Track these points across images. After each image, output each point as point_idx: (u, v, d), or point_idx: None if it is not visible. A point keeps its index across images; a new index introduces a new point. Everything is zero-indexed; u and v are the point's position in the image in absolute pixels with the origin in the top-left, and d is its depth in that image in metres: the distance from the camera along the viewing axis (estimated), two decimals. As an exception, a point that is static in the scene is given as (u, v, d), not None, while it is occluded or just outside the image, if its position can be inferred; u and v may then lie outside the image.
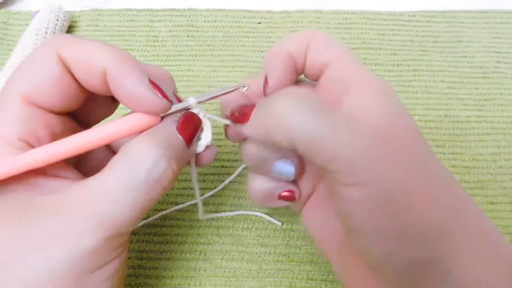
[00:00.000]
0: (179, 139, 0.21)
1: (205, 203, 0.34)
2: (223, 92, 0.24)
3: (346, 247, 0.23)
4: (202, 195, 0.34)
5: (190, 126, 0.22)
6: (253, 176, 0.25)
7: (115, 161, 0.20)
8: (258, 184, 0.25)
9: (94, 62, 0.20)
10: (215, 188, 0.34)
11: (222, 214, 0.33)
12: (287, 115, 0.19)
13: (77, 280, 0.18)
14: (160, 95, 0.21)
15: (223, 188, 0.34)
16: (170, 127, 0.21)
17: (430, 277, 0.18)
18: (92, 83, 0.21)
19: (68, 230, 0.18)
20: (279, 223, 0.33)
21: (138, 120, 0.21)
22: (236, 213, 0.33)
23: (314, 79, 0.24)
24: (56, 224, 0.18)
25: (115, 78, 0.20)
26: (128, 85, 0.20)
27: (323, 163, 0.19)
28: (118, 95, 0.20)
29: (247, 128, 0.22)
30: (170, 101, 0.21)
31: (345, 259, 0.23)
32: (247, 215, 0.33)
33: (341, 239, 0.23)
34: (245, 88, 0.25)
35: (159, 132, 0.21)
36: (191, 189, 0.34)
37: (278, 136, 0.19)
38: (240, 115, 0.23)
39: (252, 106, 0.23)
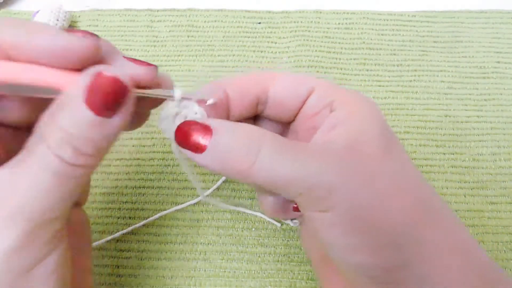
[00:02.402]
0: (86, 114, 0.16)
1: (205, 203, 0.34)
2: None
3: (326, 259, 0.23)
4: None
5: (104, 94, 0.17)
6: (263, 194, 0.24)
7: (21, 153, 0.17)
8: (271, 200, 0.24)
9: None
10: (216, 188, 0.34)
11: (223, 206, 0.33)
12: (249, 161, 0.19)
13: (14, 282, 0.17)
14: (79, 35, 0.17)
15: (223, 188, 0.34)
16: (76, 98, 0.16)
17: (405, 284, 0.19)
18: None
19: None
20: (279, 224, 0.33)
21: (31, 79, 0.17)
22: (234, 208, 0.33)
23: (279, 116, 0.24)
24: None
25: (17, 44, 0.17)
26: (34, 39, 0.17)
27: (288, 197, 0.20)
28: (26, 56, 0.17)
29: (202, 159, 0.20)
30: (89, 34, 0.18)
31: (326, 271, 0.24)
32: (247, 215, 0.33)
33: (322, 252, 0.24)
34: (210, 101, 0.21)
35: (63, 104, 0.17)
36: (191, 189, 0.34)
37: (237, 176, 0.20)
38: (182, 133, 0.20)
39: (201, 127, 0.20)
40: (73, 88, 0.17)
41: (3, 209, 0.16)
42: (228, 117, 0.23)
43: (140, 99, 0.19)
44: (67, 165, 0.17)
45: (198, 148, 0.19)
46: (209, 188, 0.34)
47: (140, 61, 0.20)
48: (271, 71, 0.24)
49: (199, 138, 0.19)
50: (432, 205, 0.20)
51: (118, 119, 0.17)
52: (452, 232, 0.20)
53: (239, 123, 0.20)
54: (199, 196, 0.34)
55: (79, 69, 0.17)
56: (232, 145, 0.19)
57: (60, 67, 0.17)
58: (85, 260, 0.24)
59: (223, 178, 0.34)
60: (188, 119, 0.21)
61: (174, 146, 0.21)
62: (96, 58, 0.18)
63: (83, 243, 0.24)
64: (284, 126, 0.25)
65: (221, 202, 0.33)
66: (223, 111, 0.22)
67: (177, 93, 0.21)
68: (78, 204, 0.25)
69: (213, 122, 0.20)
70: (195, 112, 0.21)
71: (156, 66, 0.20)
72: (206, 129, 0.19)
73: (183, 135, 0.20)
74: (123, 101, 0.17)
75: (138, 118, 0.22)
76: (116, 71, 0.17)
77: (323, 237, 0.20)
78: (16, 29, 0.17)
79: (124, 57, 0.20)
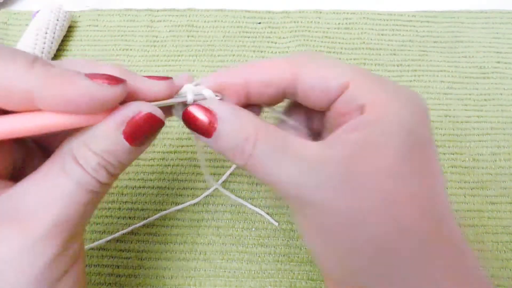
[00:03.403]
0: (123, 144, 0.18)
1: (205, 203, 0.34)
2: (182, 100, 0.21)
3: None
4: (204, 194, 0.34)
5: (142, 131, 0.19)
6: None
7: (45, 167, 0.18)
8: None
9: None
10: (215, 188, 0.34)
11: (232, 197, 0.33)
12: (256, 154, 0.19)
13: None
14: (104, 82, 0.17)
15: (230, 181, 0.34)
16: (113, 130, 0.18)
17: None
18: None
19: (24, 243, 0.17)
20: (276, 223, 0.33)
21: (64, 118, 0.17)
22: (242, 201, 0.33)
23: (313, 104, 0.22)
24: (7, 238, 0.17)
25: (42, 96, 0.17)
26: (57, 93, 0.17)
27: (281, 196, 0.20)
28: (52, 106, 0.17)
29: (210, 143, 0.20)
30: (123, 81, 0.18)
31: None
32: (247, 215, 0.33)
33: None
34: (218, 98, 0.22)
35: (100, 135, 0.18)
36: (191, 189, 0.34)
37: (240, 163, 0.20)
38: (189, 117, 0.20)
39: (206, 113, 0.20)
40: (111, 120, 0.18)
41: (44, 221, 0.17)
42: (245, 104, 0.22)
43: None
44: (100, 185, 0.19)
45: (204, 133, 0.20)
46: (210, 189, 0.34)
47: (155, 76, 0.20)
48: (301, 58, 0.21)
49: (204, 123, 0.20)
50: (432, 241, 0.18)
51: (145, 146, 0.20)
52: (451, 241, 0.19)
53: (242, 113, 0.20)
54: (208, 188, 0.34)
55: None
56: (230, 139, 0.19)
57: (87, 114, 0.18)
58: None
59: (231, 169, 0.35)
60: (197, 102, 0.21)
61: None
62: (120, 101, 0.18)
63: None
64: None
65: (232, 194, 0.33)
66: (240, 99, 0.22)
67: (190, 97, 0.21)
68: None
69: (219, 109, 0.20)
70: (204, 97, 0.21)
71: (171, 78, 0.21)
72: (211, 115, 0.20)
73: (190, 119, 0.20)
74: (157, 133, 0.20)
75: None
76: (152, 107, 0.19)
77: (305, 240, 0.20)
78: (44, 81, 0.16)
79: (145, 76, 0.21)
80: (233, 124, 0.20)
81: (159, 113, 0.19)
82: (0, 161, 0.20)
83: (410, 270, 0.18)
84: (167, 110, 0.21)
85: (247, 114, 0.20)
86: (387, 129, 0.18)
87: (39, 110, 0.17)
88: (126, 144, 0.18)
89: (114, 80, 0.18)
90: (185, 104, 0.21)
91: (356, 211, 0.18)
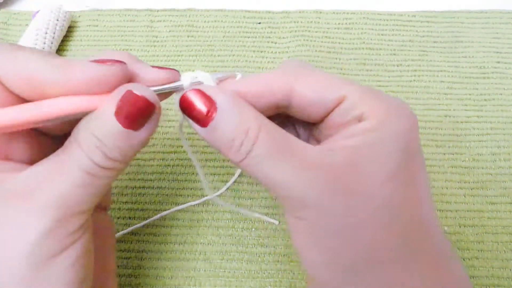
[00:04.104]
0: (117, 127, 0.18)
1: (205, 203, 0.34)
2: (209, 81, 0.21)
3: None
4: (203, 196, 0.34)
5: (131, 111, 0.19)
6: None
7: (58, 152, 0.19)
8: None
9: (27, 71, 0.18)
10: (215, 188, 0.34)
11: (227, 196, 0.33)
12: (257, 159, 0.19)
13: (36, 268, 0.18)
14: (106, 63, 0.19)
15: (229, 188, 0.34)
16: (108, 112, 0.18)
17: None
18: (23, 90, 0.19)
19: (17, 216, 0.18)
20: (276, 222, 0.33)
21: (67, 103, 0.19)
22: (238, 209, 0.33)
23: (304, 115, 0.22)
24: (4, 213, 0.18)
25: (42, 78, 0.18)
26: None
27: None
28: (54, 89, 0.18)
29: (203, 133, 0.20)
30: (117, 62, 0.19)
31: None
32: (247, 214, 0.33)
33: None
34: (239, 76, 0.22)
35: (97, 117, 0.19)
36: (191, 189, 0.34)
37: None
38: (187, 102, 0.20)
39: (206, 99, 0.19)
40: (107, 103, 0.19)
41: (41, 197, 0.18)
42: None
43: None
44: (97, 167, 0.19)
45: (199, 121, 0.20)
46: (210, 189, 0.34)
47: (164, 68, 0.21)
48: (294, 71, 0.21)
49: (200, 111, 0.19)
50: (419, 250, 0.18)
51: (143, 132, 0.19)
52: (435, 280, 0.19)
53: (244, 103, 0.20)
54: (203, 196, 0.34)
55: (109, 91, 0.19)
56: (228, 132, 0.19)
57: (92, 93, 0.19)
58: (109, 262, 0.25)
59: (234, 177, 0.34)
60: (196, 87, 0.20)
61: (181, 134, 0.22)
62: (124, 81, 0.19)
63: (108, 245, 0.25)
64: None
65: (228, 203, 0.33)
66: None
67: (186, 81, 0.21)
68: (104, 208, 0.25)
69: (218, 97, 0.19)
70: (201, 82, 0.21)
71: (177, 71, 0.21)
72: (209, 103, 0.19)
73: (185, 104, 0.20)
74: (149, 117, 0.19)
75: None
76: (145, 90, 0.19)
77: (294, 242, 0.20)
78: (51, 68, 0.18)
79: (152, 66, 0.21)
80: (233, 115, 0.19)
81: (151, 97, 0.19)
82: (19, 148, 0.21)
83: (394, 278, 0.18)
84: (165, 97, 0.22)
85: (248, 106, 0.20)
86: (384, 137, 0.19)
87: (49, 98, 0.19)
88: (120, 126, 0.18)
89: (114, 62, 0.19)
90: None
91: (351, 217, 0.18)
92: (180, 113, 0.20)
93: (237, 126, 0.19)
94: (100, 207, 0.25)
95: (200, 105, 0.19)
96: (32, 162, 0.20)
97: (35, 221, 0.18)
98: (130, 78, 0.20)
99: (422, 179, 0.20)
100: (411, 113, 0.20)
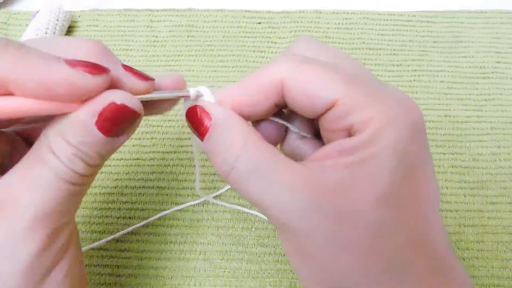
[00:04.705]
0: (97, 136, 0.18)
1: (205, 203, 0.34)
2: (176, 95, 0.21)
3: None
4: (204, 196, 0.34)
5: (115, 122, 0.18)
6: None
7: (26, 158, 0.18)
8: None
9: None
10: (214, 188, 0.34)
11: (220, 194, 0.33)
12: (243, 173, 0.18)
13: (35, 286, 0.17)
14: (86, 71, 0.16)
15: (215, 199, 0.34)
16: (87, 120, 0.17)
17: None
18: None
19: (9, 236, 0.17)
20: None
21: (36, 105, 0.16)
22: (231, 206, 0.33)
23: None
24: None
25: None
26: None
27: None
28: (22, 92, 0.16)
29: (201, 145, 0.20)
30: (106, 71, 0.17)
31: None
32: (247, 215, 0.33)
33: None
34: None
35: (74, 125, 0.17)
36: (191, 189, 0.34)
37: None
38: (189, 116, 0.20)
39: (204, 115, 0.19)
40: (83, 110, 0.17)
41: (28, 213, 0.17)
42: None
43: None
44: (79, 176, 0.18)
45: (199, 134, 0.20)
46: (209, 189, 0.34)
47: (139, 73, 0.19)
48: (289, 68, 0.19)
49: (200, 123, 0.20)
50: (417, 273, 0.17)
51: (124, 137, 0.19)
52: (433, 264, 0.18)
53: (234, 120, 0.19)
54: (199, 196, 0.34)
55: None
56: (216, 144, 0.19)
57: (65, 102, 0.17)
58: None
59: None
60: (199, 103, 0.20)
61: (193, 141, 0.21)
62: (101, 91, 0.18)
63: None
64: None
65: (226, 202, 0.33)
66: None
67: (193, 92, 0.21)
68: None
69: (213, 111, 0.19)
70: (201, 96, 0.21)
71: (153, 80, 0.20)
72: (207, 117, 0.19)
73: (190, 117, 0.20)
74: (132, 123, 0.19)
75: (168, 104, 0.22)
76: (127, 97, 0.18)
77: (287, 255, 0.20)
78: (20, 65, 0.16)
79: (123, 65, 0.19)
80: (221, 129, 0.19)
81: (134, 104, 0.18)
82: None
83: None
84: (151, 104, 0.21)
85: (240, 123, 0.19)
86: (378, 154, 0.17)
87: (12, 95, 0.16)
88: (101, 135, 0.18)
89: (96, 69, 0.17)
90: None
91: (336, 240, 0.17)
92: None
93: (223, 140, 0.19)
94: None
95: (199, 118, 0.20)
96: None
97: (31, 240, 0.17)
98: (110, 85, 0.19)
99: (425, 193, 0.18)
100: (415, 112, 0.18)
